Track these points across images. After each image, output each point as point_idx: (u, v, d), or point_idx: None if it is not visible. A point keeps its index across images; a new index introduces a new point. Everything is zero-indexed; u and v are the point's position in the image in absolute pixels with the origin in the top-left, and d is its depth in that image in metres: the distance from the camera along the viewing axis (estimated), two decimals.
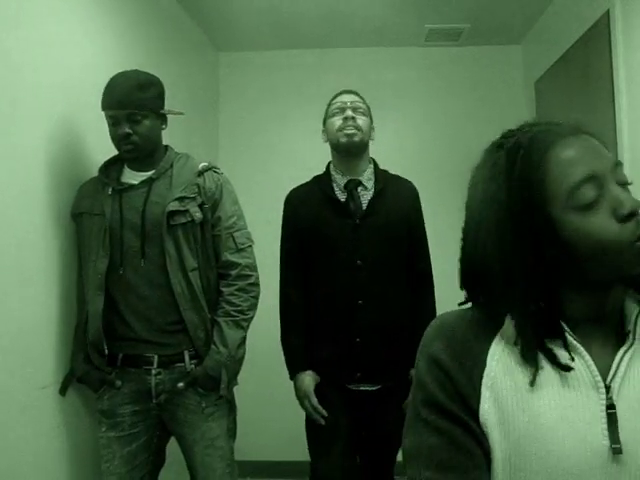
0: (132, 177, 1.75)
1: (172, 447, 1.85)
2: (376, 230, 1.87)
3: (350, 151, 1.91)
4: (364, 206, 1.90)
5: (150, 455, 1.75)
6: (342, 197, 1.92)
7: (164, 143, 1.83)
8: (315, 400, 1.85)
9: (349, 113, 1.90)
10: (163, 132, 1.81)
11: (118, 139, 1.68)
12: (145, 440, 1.72)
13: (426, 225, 2.04)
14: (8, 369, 1.49)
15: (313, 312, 1.93)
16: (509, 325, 0.74)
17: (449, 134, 3.38)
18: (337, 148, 1.93)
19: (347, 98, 1.95)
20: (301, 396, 1.89)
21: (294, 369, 1.93)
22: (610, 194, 0.70)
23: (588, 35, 2.43)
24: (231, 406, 1.81)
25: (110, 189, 1.72)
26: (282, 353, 1.90)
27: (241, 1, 2.85)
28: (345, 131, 1.88)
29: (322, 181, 1.98)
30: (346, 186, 1.92)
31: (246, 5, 2.88)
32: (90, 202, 1.73)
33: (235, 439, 1.84)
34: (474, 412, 0.71)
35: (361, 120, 1.91)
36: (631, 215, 0.69)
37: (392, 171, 2.09)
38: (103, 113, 1.69)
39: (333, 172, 1.97)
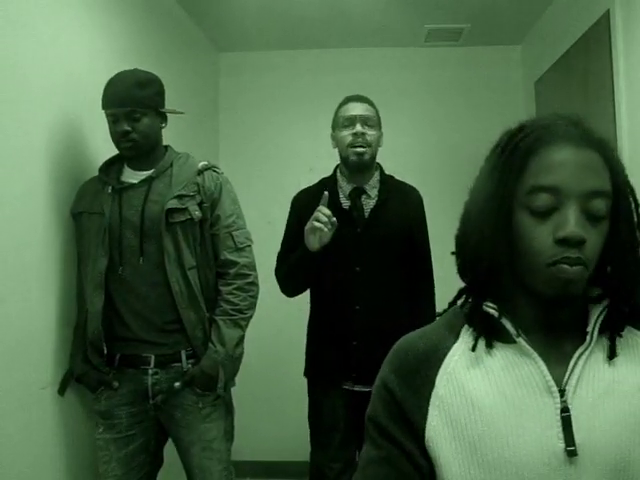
0: (132, 176, 1.75)
1: (170, 449, 1.85)
2: (376, 240, 1.91)
3: (359, 168, 1.94)
4: (366, 215, 1.93)
5: (148, 457, 1.75)
6: (346, 204, 1.95)
7: (164, 143, 1.83)
8: (327, 209, 1.76)
9: (359, 128, 1.91)
10: (163, 132, 1.81)
11: (118, 137, 1.68)
12: (142, 442, 1.72)
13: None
14: (7, 369, 1.49)
15: (312, 314, 2.00)
16: (465, 333, 0.77)
17: (449, 134, 3.38)
18: (346, 164, 1.96)
19: (358, 110, 1.95)
20: (314, 215, 1.76)
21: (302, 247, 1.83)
22: (562, 214, 0.69)
23: (588, 35, 2.43)
24: (228, 408, 1.80)
25: (110, 188, 1.72)
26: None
27: (241, 1, 2.84)
28: (355, 149, 1.90)
29: (328, 186, 2.00)
30: (350, 194, 1.95)
31: (246, 5, 2.88)
32: (90, 201, 1.73)
33: (232, 442, 1.83)
34: (418, 431, 0.73)
35: (370, 136, 1.92)
36: (564, 241, 0.68)
37: (392, 171, 2.09)
38: (103, 112, 1.69)
39: (339, 178, 2.00)
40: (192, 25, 3.08)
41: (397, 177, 2.10)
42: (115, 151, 1.76)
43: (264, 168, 3.43)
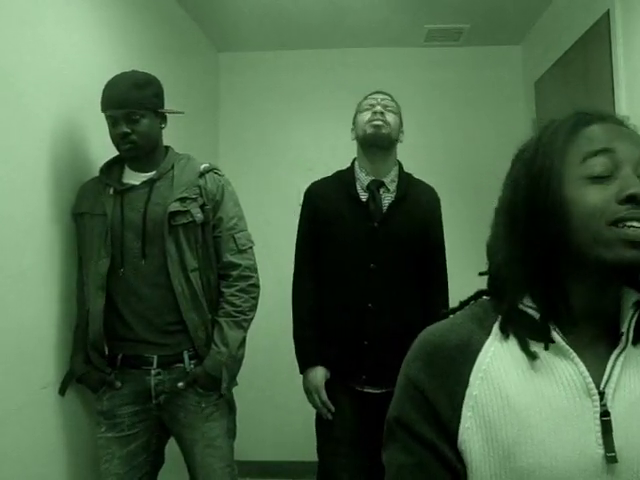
0: (133, 178, 1.76)
1: (171, 448, 1.85)
2: (393, 235, 1.87)
3: (376, 143, 1.90)
4: (384, 209, 1.89)
5: (149, 455, 1.75)
6: (364, 197, 1.90)
7: (165, 144, 1.83)
8: (325, 395, 1.86)
9: (379, 108, 1.91)
10: (163, 133, 1.80)
11: (117, 139, 1.68)
12: (144, 440, 1.72)
13: None
14: (8, 369, 1.49)
15: (324, 311, 1.94)
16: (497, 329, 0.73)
17: (449, 134, 3.38)
18: (364, 140, 1.92)
19: (378, 97, 1.98)
20: (311, 390, 1.89)
21: (305, 363, 1.92)
22: (623, 176, 0.68)
23: (588, 35, 2.43)
24: (230, 407, 1.81)
25: (112, 190, 1.72)
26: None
27: (241, 1, 2.85)
28: (373, 122, 1.89)
29: (345, 177, 1.96)
30: (368, 186, 1.91)
31: (246, 5, 2.88)
32: (91, 202, 1.73)
33: (235, 439, 1.84)
34: (451, 434, 0.68)
35: (390, 116, 1.92)
36: (631, 199, 0.66)
37: None
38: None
39: (357, 169, 1.96)
40: (192, 25, 3.08)
41: None
42: (116, 152, 1.76)
43: (264, 168, 3.43)
